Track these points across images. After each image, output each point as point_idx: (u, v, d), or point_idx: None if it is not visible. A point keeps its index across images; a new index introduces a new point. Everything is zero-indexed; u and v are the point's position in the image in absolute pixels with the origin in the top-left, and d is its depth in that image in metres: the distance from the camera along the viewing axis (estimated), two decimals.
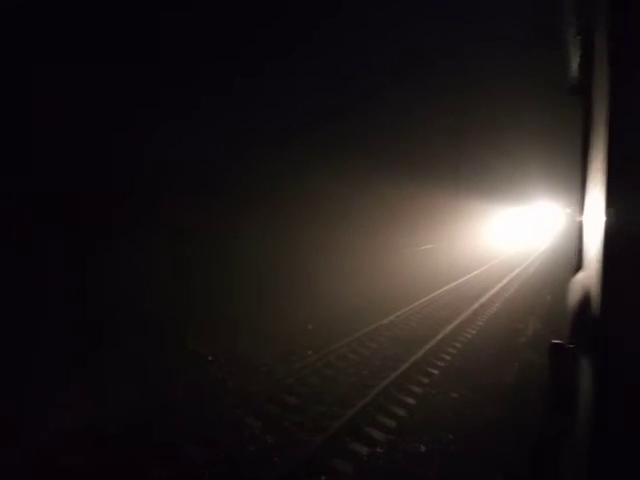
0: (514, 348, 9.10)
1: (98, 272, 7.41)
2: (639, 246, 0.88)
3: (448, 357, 8.58)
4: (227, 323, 8.58)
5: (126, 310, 7.22)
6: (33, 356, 6.05)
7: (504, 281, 17.31)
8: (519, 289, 16.37)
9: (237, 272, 9.87)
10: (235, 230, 10.09)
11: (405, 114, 18.74)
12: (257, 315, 9.17)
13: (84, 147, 7.76)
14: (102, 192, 7.88)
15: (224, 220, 9.92)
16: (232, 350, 7.84)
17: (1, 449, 4.59)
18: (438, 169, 22.22)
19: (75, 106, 7.54)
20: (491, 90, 25.75)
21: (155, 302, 7.86)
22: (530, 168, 35.51)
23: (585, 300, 1.65)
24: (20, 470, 4.42)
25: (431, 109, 20.92)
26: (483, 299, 13.55)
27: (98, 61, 7.87)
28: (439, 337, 9.31)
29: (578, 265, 2.65)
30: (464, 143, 25.32)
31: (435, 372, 7.76)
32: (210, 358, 7.59)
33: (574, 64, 1.49)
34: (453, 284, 16.06)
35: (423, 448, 5.32)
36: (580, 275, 1.96)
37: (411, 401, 6.56)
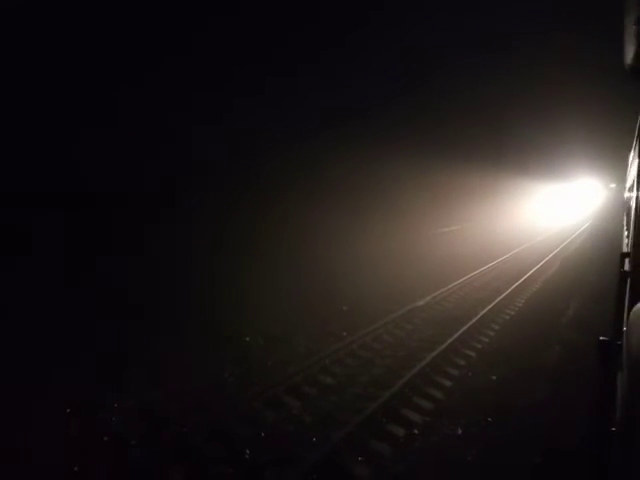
0: (555, 329, 8.89)
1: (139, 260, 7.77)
2: None
3: (485, 339, 8.48)
4: (263, 305, 8.75)
5: (165, 296, 7.58)
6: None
7: (545, 259, 16.81)
8: (560, 268, 15.88)
9: (270, 254, 10.06)
10: (281, 214, 10.46)
11: (448, 97, 18.59)
12: (291, 297, 9.31)
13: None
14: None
15: (265, 205, 10.25)
16: (269, 332, 7.99)
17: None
18: (479, 149, 21.83)
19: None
20: (535, 70, 24.68)
21: (189, 284, 8.19)
22: (573, 146, 34.31)
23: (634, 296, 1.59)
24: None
25: (474, 92, 20.47)
26: (523, 278, 13.23)
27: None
28: (476, 318, 9.19)
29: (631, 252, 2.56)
30: (505, 123, 24.62)
31: (472, 354, 7.70)
32: (247, 339, 7.78)
33: (631, 49, 1.41)
34: (493, 263, 15.79)
35: (460, 431, 5.32)
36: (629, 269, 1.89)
37: (448, 383, 6.55)
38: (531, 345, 7.93)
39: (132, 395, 5.60)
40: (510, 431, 5.21)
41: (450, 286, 11.90)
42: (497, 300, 10.64)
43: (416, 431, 5.30)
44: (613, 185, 38.37)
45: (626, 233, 4.54)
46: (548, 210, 36.64)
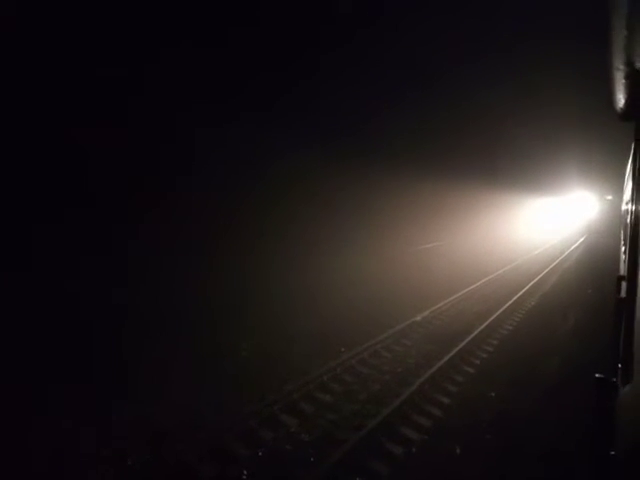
0: (554, 342, 8.90)
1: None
2: None
3: (484, 355, 8.47)
4: (260, 323, 8.75)
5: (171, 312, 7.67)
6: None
7: (542, 274, 16.85)
8: (558, 281, 15.92)
9: (265, 273, 10.19)
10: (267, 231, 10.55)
11: (441, 112, 18.89)
12: (288, 314, 9.30)
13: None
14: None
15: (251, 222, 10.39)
16: (266, 348, 7.96)
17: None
18: (473, 167, 22.04)
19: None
20: (529, 85, 24.87)
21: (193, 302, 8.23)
22: (567, 155, 34.25)
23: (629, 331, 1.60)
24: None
25: (468, 106, 20.69)
26: (521, 292, 13.24)
27: None
28: (475, 333, 9.18)
29: (629, 274, 2.44)
30: (500, 141, 24.84)
31: (470, 370, 7.69)
32: (245, 354, 7.76)
33: (621, 93, 1.45)
34: (492, 276, 15.87)
35: (458, 450, 5.30)
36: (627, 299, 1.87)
37: (446, 400, 6.53)
38: (529, 362, 7.92)
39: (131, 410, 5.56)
40: (510, 448, 5.20)
41: (449, 300, 11.92)
42: (496, 314, 10.64)
43: (414, 450, 5.29)
44: (610, 197, 37.29)
45: (623, 249, 4.40)
46: (541, 224, 36.33)
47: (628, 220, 3.12)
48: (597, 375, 1.65)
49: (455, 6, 17.54)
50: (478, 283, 14.51)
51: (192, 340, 7.58)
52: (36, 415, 5.16)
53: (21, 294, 6.62)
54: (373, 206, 15.31)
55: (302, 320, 9.05)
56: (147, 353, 6.65)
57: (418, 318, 10.16)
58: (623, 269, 3.47)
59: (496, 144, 24.80)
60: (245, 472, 4.79)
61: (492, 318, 10.34)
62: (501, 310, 11.12)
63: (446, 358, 7.66)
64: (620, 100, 1.46)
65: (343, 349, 8.10)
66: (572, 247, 27.53)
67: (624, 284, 2.63)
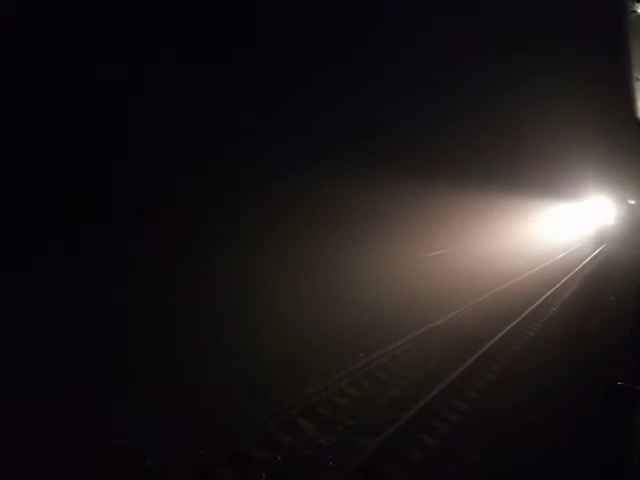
0: (574, 353, 8.76)
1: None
2: None
3: (504, 360, 8.39)
4: (279, 327, 8.84)
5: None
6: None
7: (563, 280, 16.58)
8: (579, 288, 15.65)
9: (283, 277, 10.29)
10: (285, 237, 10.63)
11: (458, 116, 18.88)
12: (305, 318, 9.38)
13: None
14: None
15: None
16: (285, 352, 8.02)
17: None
18: (494, 174, 21.96)
19: None
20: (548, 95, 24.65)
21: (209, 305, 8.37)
22: (587, 168, 33.37)
23: None
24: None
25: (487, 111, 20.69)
26: (540, 300, 13.05)
27: None
28: (496, 338, 9.10)
29: None
30: (517, 147, 24.69)
31: (490, 376, 7.62)
32: (263, 358, 7.83)
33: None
34: (514, 280, 15.76)
35: (478, 456, 5.27)
36: None
37: (466, 407, 6.50)
38: (550, 373, 7.81)
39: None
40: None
41: (467, 305, 11.82)
42: (519, 319, 10.52)
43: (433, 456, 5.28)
44: (633, 202, 35.39)
45: None
46: (558, 230, 35.13)
47: None
48: (618, 383, 1.66)
49: (470, 9, 17.53)
50: (482, 297, 13.13)
51: (208, 343, 7.71)
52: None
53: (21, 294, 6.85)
54: (382, 215, 15.22)
55: (318, 325, 9.11)
56: (159, 356, 6.81)
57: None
58: None
59: (513, 150, 24.59)
60: (264, 475, 4.85)
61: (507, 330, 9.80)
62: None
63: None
64: (639, 109, 1.48)
65: (361, 354, 8.13)
66: (589, 257, 24.22)
67: None
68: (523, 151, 25.83)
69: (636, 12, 1.17)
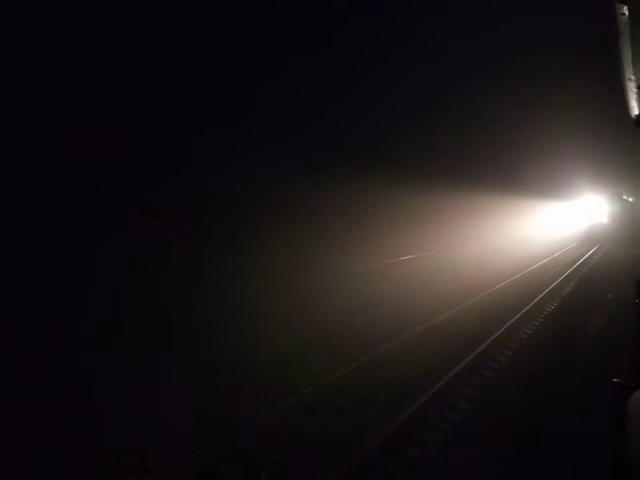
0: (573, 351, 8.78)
1: None
2: None
3: (503, 359, 8.40)
4: (275, 328, 8.86)
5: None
6: None
7: (560, 278, 16.59)
8: (577, 286, 15.68)
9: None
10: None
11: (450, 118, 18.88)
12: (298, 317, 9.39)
13: None
14: None
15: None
16: (283, 352, 8.03)
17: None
18: (479, 174, 21.88)
19: None
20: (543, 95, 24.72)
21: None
22: (579, 164, 32.84)
23: None
24: None
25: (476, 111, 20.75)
26: (540, 296, 13.04)
27: None
28: (497, 334, 9.12)
29: None
30: (508, 147, 24.68)
31: (489, 374, 7.62)
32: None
33: (635, 102, 1.51)
34: (475, 298, 15.56)
35: (478, 457, 5.28)
36: None
37: (465, 405, 6.51)
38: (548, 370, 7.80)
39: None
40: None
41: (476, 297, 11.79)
42: (519, 314, 10.50)
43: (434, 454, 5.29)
44: (632, 199, 34.03)
45: None
46: (550, 230, 33.09)
47: None
48: (614, 379, 1.68)
49: (464, 12, 17.67)
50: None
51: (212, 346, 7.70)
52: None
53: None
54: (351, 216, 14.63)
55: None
56: (154, 357, 6.81)
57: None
58: None
59: (500, 148, 24.36)
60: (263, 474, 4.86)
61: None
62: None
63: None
64: (634, 108, 1.51)
65: None
66: (579, 262, 20.73)
67: None
68: (511, 149, 25.71)
69: (624, 14, 1.19)
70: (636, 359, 1.71)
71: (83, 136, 8.29)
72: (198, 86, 10.30)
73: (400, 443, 5.39)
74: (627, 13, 1.19)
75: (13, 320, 6.41)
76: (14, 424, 4.89)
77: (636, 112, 1.48)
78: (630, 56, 1.25)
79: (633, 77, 1.24)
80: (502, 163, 24.57)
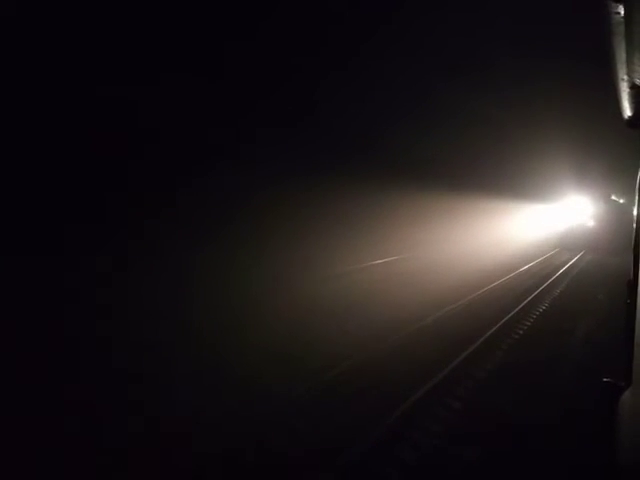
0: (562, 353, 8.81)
1: None
2: None
3: (495, 358, 8.44)
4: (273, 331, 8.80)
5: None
6: None
7: (548, 281, 16.67)
8: (568, 286, 15.78)
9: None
10: None
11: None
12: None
13: None
14: None
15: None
16: (282, 352, 8.00)
17: None
18: (475, 179, 21.73)
19: None
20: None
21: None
22: (563, 168, 31.13)
23: None
24: None
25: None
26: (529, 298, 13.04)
27: None
28: (483, 338, 9.13)
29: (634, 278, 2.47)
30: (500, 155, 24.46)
31: (468, 385, 7.61)
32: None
33: (627, 103, 1.51)
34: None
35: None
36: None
37: (458, 405, 6.53)
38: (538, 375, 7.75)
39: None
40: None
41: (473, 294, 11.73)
42: (505, 319, 10.51)
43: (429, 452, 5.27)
44: (622, 200, 32.59)
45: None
46: (529, 234, 29.93)
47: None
48: (605, 379, 1.68)
49: (460, 10, 17.72)
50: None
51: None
52: None
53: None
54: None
55: None
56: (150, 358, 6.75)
57: None
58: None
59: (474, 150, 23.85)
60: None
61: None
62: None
63: None
64: (626, 109, 1.52)
65: None
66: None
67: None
68: (496, 150, 25.35)
69: (619, 13, 1.20)
70: (627, 359, 1.72)
71: (83, 136, 8.25)
72: (198, 86, 10.27)
73: None
74: (622, 12, 1.20)
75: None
76: None
77: (629, 113, 1.49)
78: (624, 56, 1.25)
79: (626, 77, 1.25)
80: (486, 165, 24.28)
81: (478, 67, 20.39)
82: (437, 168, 19.91)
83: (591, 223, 29.12)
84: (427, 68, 17.58)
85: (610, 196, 30.44)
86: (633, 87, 1.33)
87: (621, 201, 31.09)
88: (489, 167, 25.04)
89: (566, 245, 27.33)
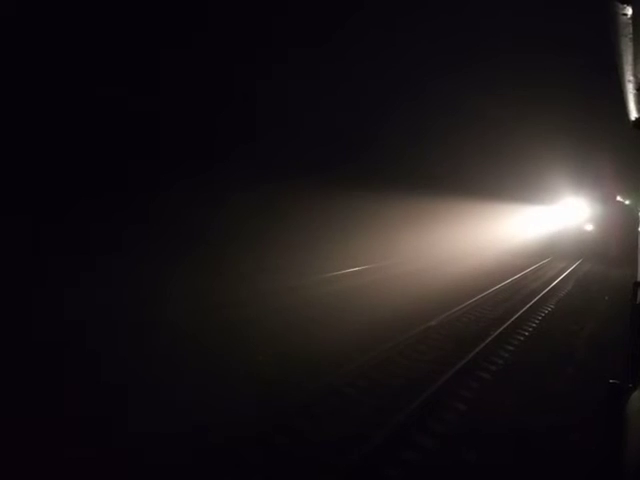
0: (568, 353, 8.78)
1: None
2: None
3: (501, 361, 8.42)
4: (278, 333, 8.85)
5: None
6: None
7: (552, 284, 16.59)
8: (574, 288, 15.72)
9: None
10: None
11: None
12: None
13: None
14: None
15: None
16: (290, 351, 8.02)
17: None
18: (464, 183, 21.39)
19: None
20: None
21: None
22: (560, 171, 28.62)
23: None
24: None
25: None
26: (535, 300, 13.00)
27: None
28: (488, 340, 9.12)
29: None
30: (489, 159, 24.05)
31: (474, 388, 7.58)
32: (260, 358, 7.79)
33: (634, 104, 1.51)
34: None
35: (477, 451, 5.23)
36: None
37: (462, 407, 6.52)
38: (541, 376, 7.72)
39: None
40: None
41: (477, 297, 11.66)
42: (518, 314, 10.44)
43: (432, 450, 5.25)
44: (628, 202, 31.09)
45: None
46: (521, 239, 27.06)
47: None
48: (611, 381, 1.68)
49: (453, 12, 17.64)
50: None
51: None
52: None
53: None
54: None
55: None
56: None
57: None
58: None
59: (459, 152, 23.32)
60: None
61: None
62: None
63: None
64: (632, 111, 1.52)
65: None
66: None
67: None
68: (492, 150, 24.77)
69: (626, 15, 1.20)
70: (633, 360, 1.71)
71: (82, 136, 8.29)
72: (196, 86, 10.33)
73: None
74: (629, 14, 1.20)
75: None
76: None
77: (635, 114, 1.49)
78: (630, 57, 1.25)
79: (632, 79, 1.25)
80: (471, 164, 23.56)
81: (475, 64, 20.20)
82: (426, 169, 19.55)
83: (590, 227, 27.54)
84: (422, 67, 17.52)
85: (615, 197, 28.66)
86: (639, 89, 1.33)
87: (627, 202, 29.02)
88: (474, 167, 23.44)
89: (561, 252, 25.15)
